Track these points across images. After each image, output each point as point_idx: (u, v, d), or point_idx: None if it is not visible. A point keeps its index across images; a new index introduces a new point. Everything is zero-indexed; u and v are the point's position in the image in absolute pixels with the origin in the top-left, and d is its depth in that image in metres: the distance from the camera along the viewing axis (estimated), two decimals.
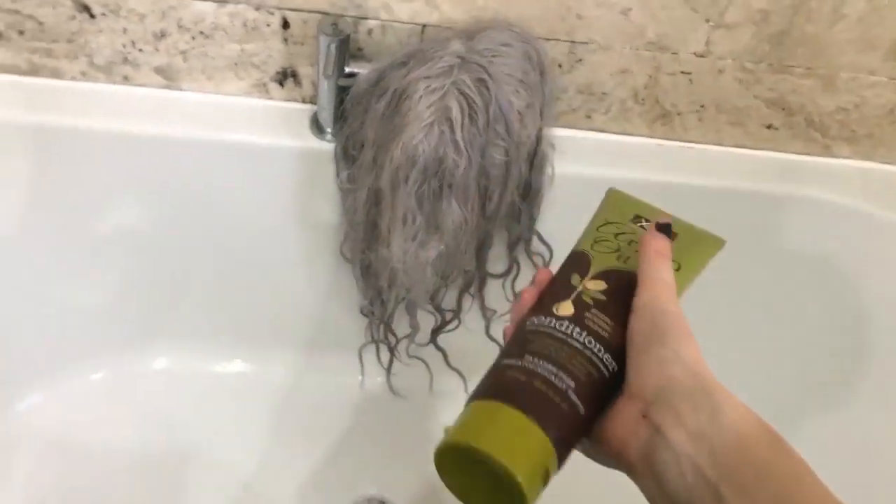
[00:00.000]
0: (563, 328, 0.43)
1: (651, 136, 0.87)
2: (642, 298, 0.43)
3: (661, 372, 0.38)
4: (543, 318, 0.44)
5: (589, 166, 0.84)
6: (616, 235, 0.50)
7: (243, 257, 0.92)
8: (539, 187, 0.81)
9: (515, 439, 0.39)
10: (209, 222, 0.88)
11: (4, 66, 0.78)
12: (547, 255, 0.85)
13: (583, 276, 0.47)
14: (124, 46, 0.76)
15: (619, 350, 0.43)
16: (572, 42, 0.77)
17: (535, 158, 0.78)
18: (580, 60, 0.79)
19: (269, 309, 0.98)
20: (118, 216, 0.87)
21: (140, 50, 0.76)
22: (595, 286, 0.46)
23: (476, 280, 0.88)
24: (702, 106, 0.84)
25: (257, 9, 0.73)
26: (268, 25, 0.74)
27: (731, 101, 0.83)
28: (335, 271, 0.92)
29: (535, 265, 0.86)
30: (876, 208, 0.89)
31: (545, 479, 0.39)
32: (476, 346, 0.83)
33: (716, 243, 0.49)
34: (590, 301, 0.45)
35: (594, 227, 0.52)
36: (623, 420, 0.39)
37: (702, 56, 0.79)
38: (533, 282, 0.49)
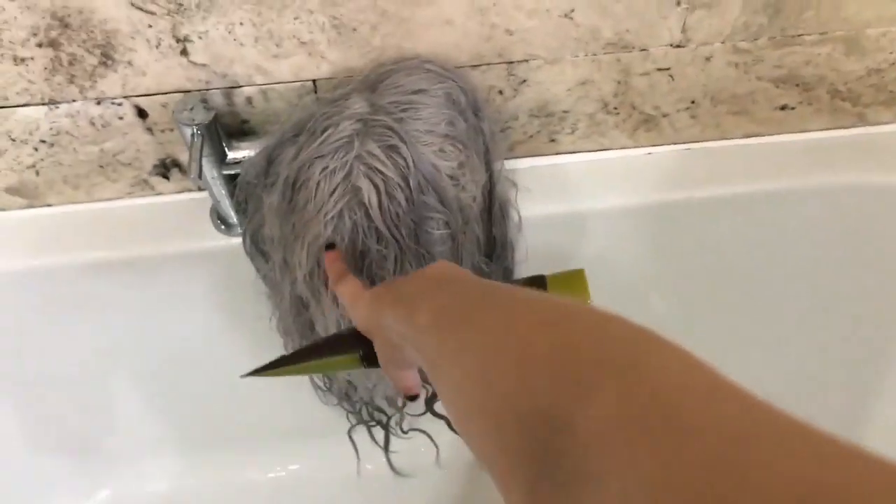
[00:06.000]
0: None
1: (636, 146, 0.69)
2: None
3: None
4: None
5: (563, 199, 0.67)
6: None
7: (194, 373, 0.80)
8: (505, 241, 0.64)
9: None
10: (141, 348, 0.75)
11: None
12: None
13: None
14: None
15: None
16: (508, 63, 0.59)
17: (493, 212, 0.61)
18: (524, 81, 0.61)
19: (239, 415, 0.86)
20: (44, 358, 0.74)
21: None
22: None
23: None
24: (692, 102, 0.65)
25: (98, 103, 0.57)
26: (120, 118, 0.58)
27: (729, 89, 0.65)
28: None
29: None
30: None
31: None
32: None
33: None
34: None
35: None
36: None
37: (679, 46, 0.61)
38: None
